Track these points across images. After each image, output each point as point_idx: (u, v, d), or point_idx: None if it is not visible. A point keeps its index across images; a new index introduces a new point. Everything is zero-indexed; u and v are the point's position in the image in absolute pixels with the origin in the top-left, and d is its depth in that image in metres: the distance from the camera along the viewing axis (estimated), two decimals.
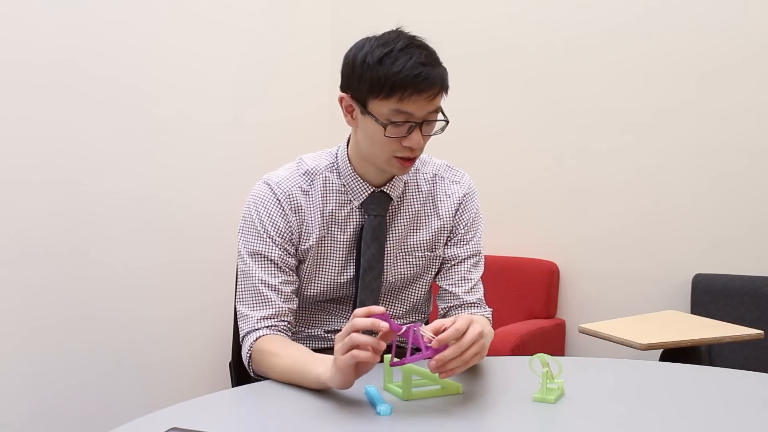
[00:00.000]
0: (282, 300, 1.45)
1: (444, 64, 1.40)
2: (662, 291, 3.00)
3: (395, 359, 1.18)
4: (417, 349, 1.17)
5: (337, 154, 1.53)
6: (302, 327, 1.58)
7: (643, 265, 3.03)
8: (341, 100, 1.44)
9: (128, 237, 2.66)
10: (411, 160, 1.42)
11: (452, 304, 1.56)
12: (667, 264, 2.99)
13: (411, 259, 1.55)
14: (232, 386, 1.65)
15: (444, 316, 1.58)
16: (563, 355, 3.15)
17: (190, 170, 2.89)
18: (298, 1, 3.44)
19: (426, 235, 1.55)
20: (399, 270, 1.54)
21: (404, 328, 1.15)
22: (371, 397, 1.20)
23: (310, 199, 1.49)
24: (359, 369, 1.18)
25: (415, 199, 1.55)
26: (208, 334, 2.95)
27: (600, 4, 3.09)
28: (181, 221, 2.86)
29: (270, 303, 1.44)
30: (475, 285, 1.58)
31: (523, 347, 2.67)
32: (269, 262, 1.46)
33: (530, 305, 3.11)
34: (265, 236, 1.46)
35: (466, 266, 1.57)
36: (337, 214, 1.50)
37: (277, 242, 1.46)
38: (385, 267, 1.53)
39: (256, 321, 1.44)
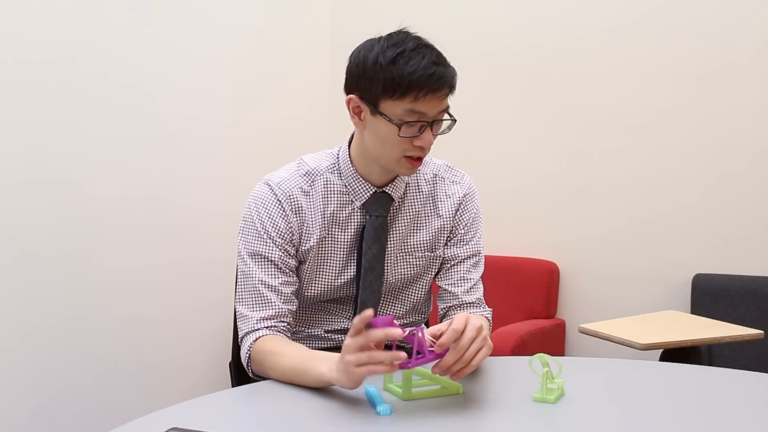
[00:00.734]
0: (282, 301, 1.45)
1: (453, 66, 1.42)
2: (662, 291, 3.00)
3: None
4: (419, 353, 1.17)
5: (338, 154, 1.53)
6: (302, 327, 1.58)
7: (643, 265, 3.03)
8: (349, 101, 1.43)
9: (128, 237, 2.66)
10: (420, 160, 1.42)
11: (451, 304, 1.56)
12: (667, 264, 2.99)
13: (411, 260, 1.55)
14: (232, 386, 1.65)
15: (443, 316, 1.58)
16: (563, 355, 3.15)
17: (190, 170, 2.89)
18: (298, 0, 3.44)
19: (426, 236, 1.55)
20: (399, 270, 1.54)
21: (407, 332, 1.15)
22: (371, 397, 1.20)
23: (311, 200, 1.49)
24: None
25: (415, 200, 1.55)
26: (208, 334, 2.95)
27: (601, 4, 3.09)
28: (182, 221, 2.86)
29: (270, 304, 1.44)
30: (474, 285, 1.58)
31: (523, 347, 2.67)
32: (269, 262, 1.46)
33: (530, 305, 3.11)
34: (265, 237, 1.46)
35: (465, 266, 1.58)
36: (338, 215, 1.50)
37: (277, 243, 1.46)
38: (386, 267, 1.52)
39: (255, 321, 1.43)
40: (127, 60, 2.64)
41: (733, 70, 2.86)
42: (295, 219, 1.48)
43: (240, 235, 1.50)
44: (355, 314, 1.52)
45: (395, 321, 1.17)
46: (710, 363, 2.59)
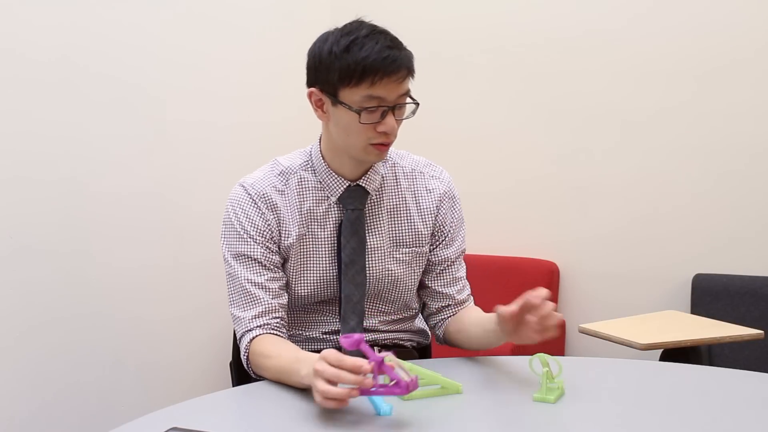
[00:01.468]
0: (270, 296, 1.47)
1: (410, 49, 1.44)
2: (662, 291, 3.00)
3: (361, 388, 1.13)
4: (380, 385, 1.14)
5: (311, 152, 1.55)
6: (299, 330, 1.58)
7: (643, 265, 3.03)
8: (310, 95, 1.46)
9: (129, 236, 2.66)
10: (386, 145, 1.44)
11: (445, 304, 1.60)
12: (667, 264, 2.99)
13: (397, 255, 1.56)
14: (233, 386, 1.65)
15: (435, 314, 1.62)
16: (563, 355, 3.15)
17: (191, 170, 2.89)
18: (298, 0, 3.44)
19: (409, 230, 1.56)
20: (384, 265, 1.55)
21: (380, 357, 1.12)
22: (371, 396, 1.20)
23: (286, 199, 1.51)
24: None
25: (394, 193, 1.56)
26: (208, 334, 2.95)
27: (602, 3, 3.09)
28: (182, 221, 2.86)
29: (259, 301, 1.46)
30: (464, 284, 1.63)
31: (523, 347, 2.66)
32: (253, 261, 1.47)
33: None
34: (245, 236, 1.48)
35: (455, 267, 1.61)
36: (315, 211, 1.51)
37: (258, 241, 1.48)
38: (371, 262, 1.53)
39: (248, 321, 1.45)
40: (128, 59, 2.64)
41: (733, 69, 2.85)
42: (272, 216, 1.49)
43: (222, 239, 1.52)
44: (340, 310, 1.53)
45: (366, 341, 1.15)
46: (710, 363, 2.59)
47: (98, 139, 2.55)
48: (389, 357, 1.13)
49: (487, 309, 1.60)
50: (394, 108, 1.40)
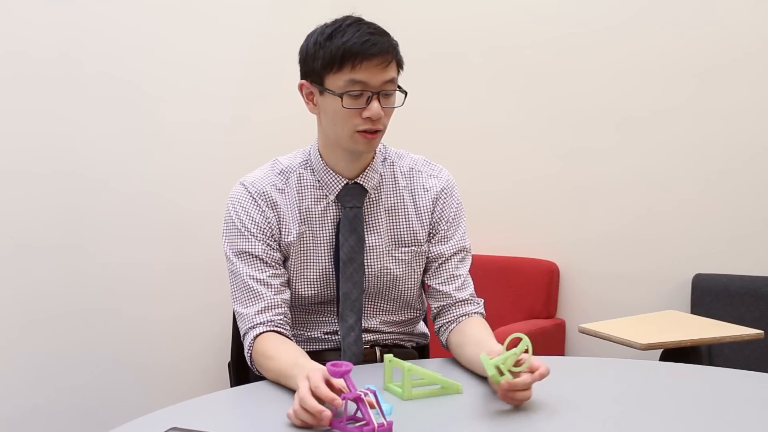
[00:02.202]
0: (273, 292, 1.47)
1: (396, 39, 1.45)
2: (662, 291, 2.99)
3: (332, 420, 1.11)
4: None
5: (309, 151, 1.57)
6: (301, 330, 1.58)
7: (643, 265, 3.03)
8: (301, 87, 1.49)
9: (129, 236, 2.66)
10: (374, 133, 1.43)
11: (445, 303, 1.57)
12: (667, 264, 2.99)
13: (396, 253, 1.55)
14: (231, 386, 1.65)
15: (437, 315, 1.58)
16: (563, 354, 3.15)
17: (190, 169, 2.89)
18: None
19: (407, 229, 1.56)
20: (383, 264, 1.54)
21: (358, 394, 1.09)
22: None
23: (286, 197, 1.52)
24: None
25: (392, 192, 1.56)
26: (207, 334, 2.95)
27: (599, 2, 3.08)
28: (182, 220, 2.86)
29: (261, 296, 1.46)
30: (464, 281, 1.58)
31: None
32: (254, 258, 1.48)
33: (530, 305, 3.11)
34: (246, 234, 1.48)
35: (452, 263, 1.58)
36: (313, 210, 1.52)
37: (258, 237, 1.48)
38: (369, 261, 1.53)
39: (251, 317, 1.45)
40: (128, 59, 2.64)
41: (733, 68, 2.85)
42: (272, 214, 1.50)
43: (224, 237, 1.52)
44: (338, 308, 1.53)
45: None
46: (710, 363, 2.59)
47: (98, 138, 2.55)
48: (369, 394, 1.10)
49: (487, 309, 1.60)
50: (379, 94, 1.41)
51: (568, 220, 3.18)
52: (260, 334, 1.43)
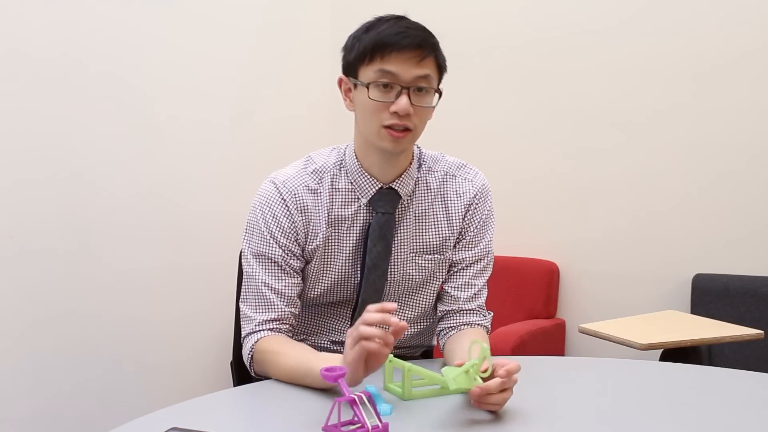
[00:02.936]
0: (285, 304, 1.44)
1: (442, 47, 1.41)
2: (662, 291, 3.00)
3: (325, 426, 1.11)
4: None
5: (345, 151, 1.49)
6: (306, 336, 1.56)
7: (643, 265, 3.03)
8: (340, 82, 1.45)
9: (129, 236, 2.66)
10: (402, 132, 1.36)
11: (451, 308, 1.53)
12: (667, 264, 2.99)
13: (419, 260, 1.51)
14: (234, 385, 1.65)
15: (441, 318, 1.55)
16: (563, 355, 3.15)
17: (190, 170, 2.89)
18: None
19: (435, 237, 1.51)
20: (405, 270, 1.50)
21: (352, 397, 1.09)
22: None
23: (318, 198, 1.46)
24: (369, 365, 1.18)
25: (424, 198, 1.50)
26: (208, 334, 2.95)
27: (599, 2, 3.08)
28: (182, 221, 2.86)
29: (273, 306, 1.43)
30: (478, 291, 1.54)
31: (523, 347, 2.67)
32: (273, 264, 1.44)
33: (530, 305, 3.11)
34: (269, 238, 1.44)
35: (472, 271, 1.53)
36: (344, 212, 1.46)
37: (281, 244, 1.44)
38: (392, 267, 1.49)
39: (258, 323, 1.42)
40: (128, 59, 2.64)
41: (733, 68, 2.85)
42: (300, 218, 1.45)
43: (245, 234, 1.48)
44: (354, 314, 1.51)
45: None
46: (710, 363, 2.59)
47: (98, 138, 2.55)
48: (364, 397, 1.10)
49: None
50: (410, 90, 1.34)
51: (569, 220, 3.18)
52: (263, 337, 1.41)
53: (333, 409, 1.09)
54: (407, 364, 1.26)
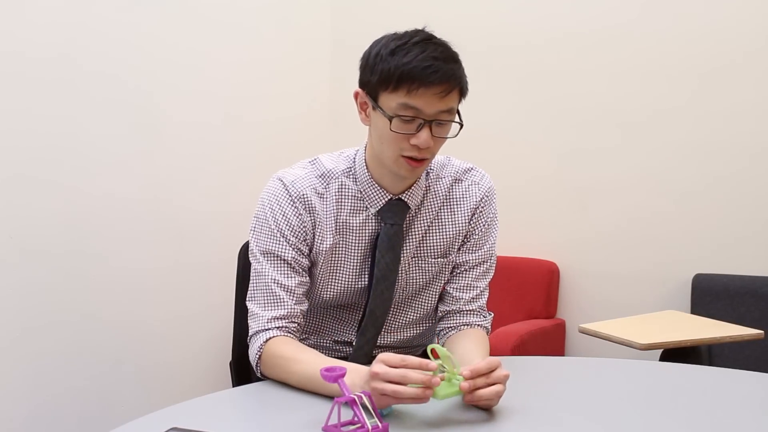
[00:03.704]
0: (294, 301, 1.42)
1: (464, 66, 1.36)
2: (662, 291, 2.99)
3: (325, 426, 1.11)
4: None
5: (354, 158, 1.47)
6: (310, 335, 1.56)
7: (643, 265, 3.03)
8: (356, 96, 1.40)
9: (128, 237, 2.66)
10: (420, 161, 1.36)
11: (451, 309, 1.52)
12: (667, 264, 2.99)
13: (423, 265, 1.51)
14: (233, 385, 1.65)
15: (441, 318, 1.55)
16: (563, 355, 3.15)
17: (189, 170, 2.89)
18: None
19: (440, 241, 1.50)
20: (411, 277, 1.50)
21: (351, 397, 1.09)
22: None
23: (325, 203, 1.45)
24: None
25: (432, 206, 1.50)
26: (208, 334, 2.95)
27: (599, 2, 3.08)
28: (181, 221, 2.86)
29: (282, 303, 1.41)
30: (479, 293, 1.53)
31: (523, 347, 2.67)
32: (282, 261, 1.42)
33: (530, 305, 3.11)
34: (278, 235, 1.42)
35: (474, 273, 1.53)
36: (351, 221, 1.45)
37: (290, 242, 1.42)
38: (398, 276, 1.48)
39: (266, 321, 1.40)
40: (127, 59, 2.64)
41: (733, 69, 2.85)
42: (308, 218, 1.44)
43: (252, 232, 1.46)
44: (361, 323, 1.50)
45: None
46: (710, 363, 2.59)
47: (98, 139, 2.55)
48: (363, 397, 1.10)
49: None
50: (432, 123, 1.32)
51: (568, 220, 3.18)
52: (272, 337, 1.39)
53: (333, 409, 1.09)
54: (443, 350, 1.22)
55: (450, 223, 1.51)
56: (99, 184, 2.56)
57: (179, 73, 2.83)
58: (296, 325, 1.43)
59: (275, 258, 1.43)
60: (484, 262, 1.54)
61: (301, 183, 1.44)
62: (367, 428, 1.06)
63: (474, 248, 1.52)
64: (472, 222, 1.52)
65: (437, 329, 1.57)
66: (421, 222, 1.49)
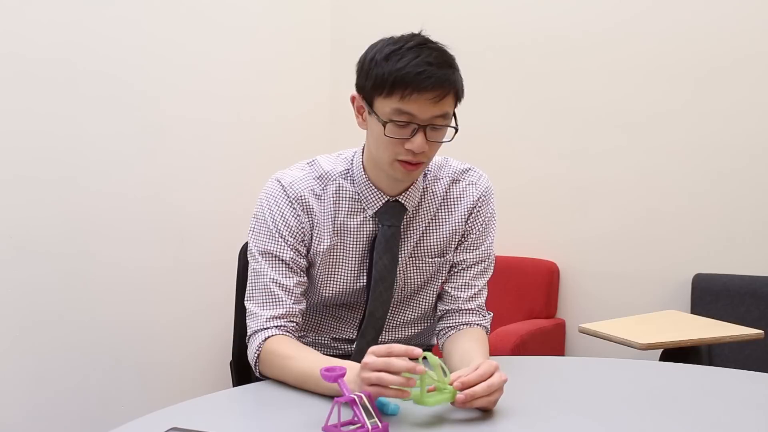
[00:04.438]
0: (292, 301, 1.43)
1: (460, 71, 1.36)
2: (662, 291, 3.00)
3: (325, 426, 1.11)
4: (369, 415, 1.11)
5: (352, 160, 1.48)
6: (309, 332, 1.56)
7: (643, 265, 3.03)
8: (353, 99, 1.41)
9: (128, 236, 2.66)
10: (415, 165, 1.37)
11: (450, 308, 1.53)
12: (667, 264, 2.99)
13: (421, 265, 1.51)
14: (233, 386, 1.65)
15: (441, 318, 1.55)
16: (563, 355, 3.15)
17: (189, 169, 2.89)
18: None
19: (437, 240, 1.51)
20: (409, 277, 1.51)
21: (351, 397, 1.09)
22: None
23: (322, 204, 1.46)
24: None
25: (429, 207, 1.50)
26: (208, 334, 2.95)
27: (600, 2, 3.08)
28: (182, 221, 2.86)
29: (280, 303, 1.42)
30: (478, 292, 1.54)
31: (523, 347, 2.67)
32: (280, 262, 1.43)
33: (530, 305, 3.11)
34: (277, 236, 1.43)
35: (472, 272, 1.54)
36: (349, 223, 1.46)
37: (289, 242, 1.43)
38: (397, 276, 1.49)
39: (265, 320, 1.41)
40: (127, 59, 2.64)
41: (733, 69, 2.85)
42: (306, 219, 1.45)
43: (251, 232, 1.47)
44: (362, 324, 1.51)
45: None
46: (710, 363, 2.59)
47: (97, 138, 2.55)
48: (363, 397, 1.10)
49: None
50: (426, 128, 1.33)
51: (569, 220, 3.18)
52: (271, 336, 1.39)
53: (333, 409, 1.09)
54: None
55: (447, 222, 1.51)
56: (99, 184, 2.56)
57: (179, 73, 2.83)
58: (295, 324, 1.44)
59: (273, 258, 1.43)
60: (481, 261, 1.54)
61: (299, 184, 1.45)
62: (367, 428, 1.06)
63: (471, 247, 1.53)
64: (469, 221, 1.52)
65: (437, 329, 1.57)
66: (419, 223, 1.50)
